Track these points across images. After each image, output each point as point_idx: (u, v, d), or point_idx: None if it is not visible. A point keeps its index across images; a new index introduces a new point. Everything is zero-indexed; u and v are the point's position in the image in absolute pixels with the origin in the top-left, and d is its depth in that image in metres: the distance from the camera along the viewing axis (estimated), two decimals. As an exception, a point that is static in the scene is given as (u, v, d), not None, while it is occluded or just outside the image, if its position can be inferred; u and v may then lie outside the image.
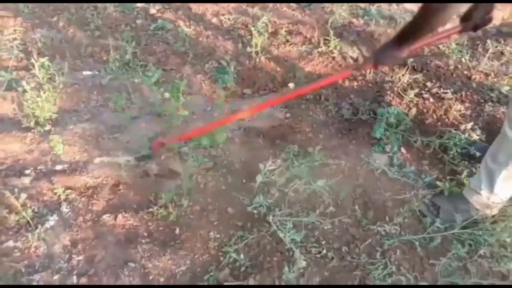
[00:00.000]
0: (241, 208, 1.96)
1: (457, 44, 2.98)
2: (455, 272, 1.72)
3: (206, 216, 1.92)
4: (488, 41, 2.95)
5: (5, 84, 2.53)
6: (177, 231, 1.85)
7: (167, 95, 2.56)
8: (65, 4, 3.56)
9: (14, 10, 3.43)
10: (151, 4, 3.63)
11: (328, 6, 3.60)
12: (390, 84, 2.67)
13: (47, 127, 2.30)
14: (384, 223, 1.89)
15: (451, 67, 2.80)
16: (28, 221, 1.80)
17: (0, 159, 2.12)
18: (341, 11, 3.40)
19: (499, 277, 1.75)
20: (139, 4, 3.63)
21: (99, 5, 3.56)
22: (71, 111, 2.46)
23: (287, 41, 3.14)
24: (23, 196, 1.88)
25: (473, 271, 1.73)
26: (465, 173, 2.09)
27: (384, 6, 3.60)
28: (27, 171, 2.06)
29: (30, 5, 3.51)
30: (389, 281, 1.67)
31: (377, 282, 1.67)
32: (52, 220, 1.81)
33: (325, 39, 3.15)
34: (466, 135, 2.26)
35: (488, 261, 1.78)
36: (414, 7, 3.63)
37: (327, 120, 2.42)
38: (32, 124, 2.34)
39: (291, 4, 3.69)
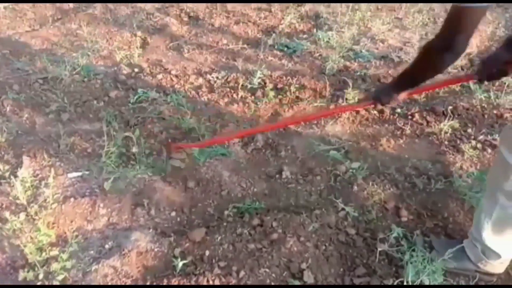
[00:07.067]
0: None
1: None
2: None
3: None
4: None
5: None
6: None
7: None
8: (1, 79, 2.78)
9: None
10: (116, 68, 3.03)
11: (316, 51, 3.34)
12: (435, 136, 2.45)
13: (60, 277, 1.63)
14: None
15: (478, 107, 2.69)
16: None
17: None
18: (334, 55, 3.15)
19: None
20: (100, 68, 3.00)
21: (49, 76, 2.85)
22: (80, 240, 1.81)
23: (297, 97, 2.79)
24: None
25: None
26: None
27: (370, 45, 3.44)
28: None
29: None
30: None
31: None
32: None
33: (336, 90, 2.87)
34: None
35: None
36: (397, 42, 3.55)
37: (402, 193, 2.08)
38: (31, 275, 1.64)
39: (275, 51, 3.35)
